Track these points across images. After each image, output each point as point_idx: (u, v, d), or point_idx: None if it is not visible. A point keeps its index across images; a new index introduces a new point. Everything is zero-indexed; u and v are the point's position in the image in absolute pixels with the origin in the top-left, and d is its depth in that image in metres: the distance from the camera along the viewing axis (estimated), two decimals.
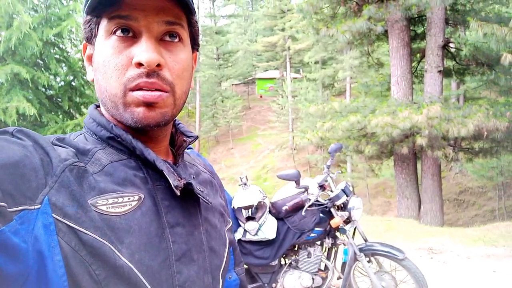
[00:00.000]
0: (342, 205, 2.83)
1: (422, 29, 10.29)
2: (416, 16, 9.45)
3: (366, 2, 9.26)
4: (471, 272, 3.85)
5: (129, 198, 0.54)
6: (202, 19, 30.44)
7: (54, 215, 0.46)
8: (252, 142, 28.41)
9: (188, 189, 0.59)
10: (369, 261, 2.79)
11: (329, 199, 2.79)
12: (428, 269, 3.86)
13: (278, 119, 25.84)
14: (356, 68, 19.01)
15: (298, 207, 2.78)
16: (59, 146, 0.54)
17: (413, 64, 10.32)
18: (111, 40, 0.56)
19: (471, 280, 3.64)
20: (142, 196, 0.56)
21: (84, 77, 7.40)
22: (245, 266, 2.74)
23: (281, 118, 25.68)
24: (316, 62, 25.63)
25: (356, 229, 2.89)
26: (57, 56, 7.10)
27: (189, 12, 0.60)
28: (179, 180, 0.59)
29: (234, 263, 0.81)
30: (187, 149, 0.76)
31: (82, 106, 7.60)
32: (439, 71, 9.07)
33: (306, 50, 24.72)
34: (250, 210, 2.71)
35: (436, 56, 9.05)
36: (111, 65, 0.56)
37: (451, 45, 9.80)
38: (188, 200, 0.61)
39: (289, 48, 26.40)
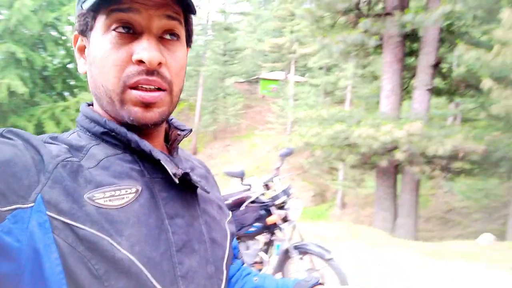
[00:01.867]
0: (282, 205, 3.07)
1: (417, 46, 10.49)
2: (411, 33, 9.65)
3: (363, 15, 9.49)
4: (413, 281, 4.10)
5: (126, 191, 0.54)
6: (213, 14, 30.65)
7: (48, 213, 0.46)
8: (249, 141, 28.63)
9: (185, 179, 0.59)
10: (301, 259, 3.03)
11: (271, 198, 3.04)
12: (371, 273, 4.11)
13: (277, 121, 26.05)
14: (358, 78, 19.23)
15: (241, 203, 3.02)
16: (52, 143, 0.54)
17: (404, 80, 10.52)
18: (110, 35, 0.56)
19: (407, 285, 3.90)
20: (140, 188, 0.56)
21: None
22: None
23: (280, 120, 25.89)
24: (320, 68, 25.82)
25: (295, 229, 3.14)
26: (55, 39, 7.31)
27: (188, 11, 0.61)
28: (177, 169, 0.60)
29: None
30: None
31: (75, 89, 7.84)
32: (428, 90, 9.28)
33: (312, 55, 24.93)
34: None
35: (427, 74, 9.26)
36: (109, 61, 0.56)
37: (444, 65, 10.01)
38: (186, 191, 0.62)
39: (295, 51, 26.59)
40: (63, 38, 7.52)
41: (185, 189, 0.61)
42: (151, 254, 0.52)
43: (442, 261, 4.77)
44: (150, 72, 0.56)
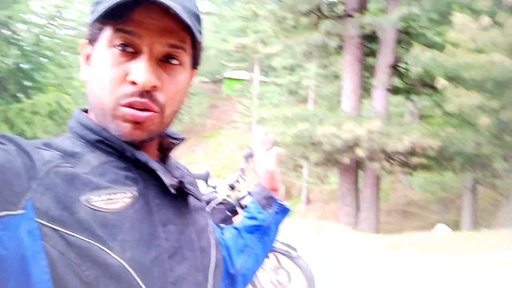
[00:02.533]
0: (247, 205, 3.10)
1: (377, 47, 10.87)
2: (371, 35, 9.98)
3: (325, 17, 9.71)
4: (372, 273, 4.26)
5: (122, 195, 0.54)
6: None
7: (38, 220, 0.46)
8: (215, 141, 28.50)
9: (179, 188, 0.61)
10: (267, 257, 3.08)
11: (236, 199, 3.06)
12: (335, 267, 4.24)
13: (242, 120, 26.10)
14: (320, 77, 19.64)
15: (206, 204, 3.03)
16: (45, 149, 0.53)
17: (365, 80, 10.87)
18: (111, 51, 0.56)
19: (371, 280, 4.05)
20: (136, 193, 0.56)
21: (35, 61, 7.25)
22: None
23: (245, 119, 25.96)
24: (284, 68, 26.14)
25: None
26: (8, 38, 6.97)
27: (194, 36, 0.60)
28: (173, 179, 0.60)
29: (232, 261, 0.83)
30: None
31: (30, 91, 7.50)
32: (387, 89, 9.64)
33: (276, 55, 25.18)
34: None
35: (385, 74, 9.63)
36: (106, 76, 0.56)
37: (401, 65, 10.42)
38: (178, 199, 0.63)
39: (259, 51, 26.73)
40: (16, 37, 7.17)
41: (178, 197, 0.62)
42: (143, 260, 0.52)
43: (402, 252, 4.99)
44: (143, 94, 0.56)
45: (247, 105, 25.46)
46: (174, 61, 0.59)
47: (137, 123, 0.57)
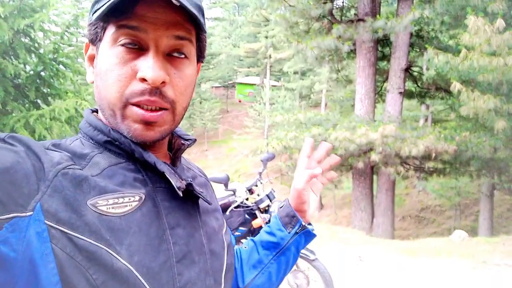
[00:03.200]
0: (266, 209, 3.14)
1: (389, 51, 10.84)
2: (383, 38, 9.96)
3: (337, 21, 9.73)
4: (388, 278, 4.24)
5: (129, 199, 0.53)
6: None
7: (47, 222, 0.45)
8: (227, 146, 28.67)
9: (188, 190, 0.59)
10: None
11: (255, 202, 3.10)
12: (352, 274, 4.22)
13: (254, 125, 26.19)
14: (332, 82, 19.63)
15: (225, 208, 3.08)
16: (54, 151, 0.53)
17: (378, 84, 10.84)
18: (117, 49, 0.55)
19: (387, 285, 4.03)
20: (143, 196, 0.55)
21: (54, 68, 7.42)
22: None
23: (257, 124, 26.04)
24: (295, 72, 26.19)
25: None
26: (28, 46, 7.16)
27: (199, 28, 0.60)
28: (181, 181, 0.59)
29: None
30: None
31: (49, 98, 7.68)
32: (400, 93, 9.60)
33: (286, 60, 25.27)
34: None
35: (399, 78, 9.58)
36: (113, 75, 0.55)
37: (414, 68, 10.38)
38: (187, 202, 0.61)
39: (270, 56, 26.85)
40: (36, 45, 7.36)
41: (187, 199, 0.61)
42: (150, 264, 0.52)
43: (418, 258, 4.95)
44: (153, 91, 0.55)
45: (258, 110, 25.55)
46: (181, 55, 0.58)
47: (148, 124, 0.56)
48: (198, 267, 0.59)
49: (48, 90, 7.44)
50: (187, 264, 0.57)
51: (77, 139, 0.60)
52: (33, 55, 7.19)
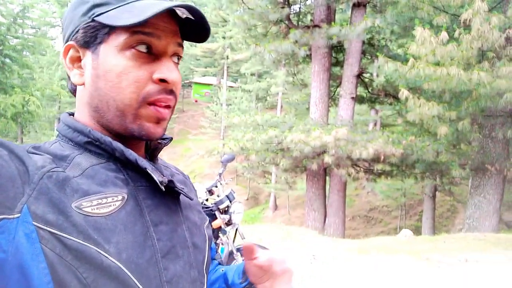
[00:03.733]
0: (225, 209, 3.19)
1: (343, 57, 11.28)
2: (337, 45, 10.34)
3: (294, 26, 9.97)
4: (340, 275, 4.44)
5: (112, 199, 0.55)
6: None
7: (35, 223, 0.46)
8: (182, 146, 28.28)
9: (169, 186, 0.61)
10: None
11: (214, 203, 3.14)
12: (306, 273, 4.37)
13: (210, 126, 26.05)
14: (288, 85, 20.02)
15: None
16: (35, 154, 0.54)
17: (331, 89, 11.22)
18: (130, 53, 0.58)
19: (339, 282, 4.22)
20: (126, 196, 0.57)
21: None
22: None
23: (213, 125, 25.92)
24: (252, 74, 26.39)
25: (237, 231, 3.27)
26: None
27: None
28: (162, 177, 0.61)
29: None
30: None
31: None
32: (352, 98, 10.01)
33: (244, 61, 25.41)
34: None
35: (351, 83, 9.99)
36: (130, 77, 0.57)
37: (366, 75, 10.87)
38: (169, 198, 0.63)
39: (227, 57, 26.84)
40: None
41: (168, 196, 0.63)
42: (138, 260, 0.53)
43: (368, 255, 5.22)
44: (169, 91, 0.60)
45: (215, 111, 25.45)
46: (177, 59, 0.64)
47: (158, 121, 0.61)
48: (183, 260, 0.62)
49: None
50: (172, 259, 0.59)
51: (56, 142, 0.61)
52: None
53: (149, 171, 0.59)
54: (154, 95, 0.59)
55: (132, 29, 0.57)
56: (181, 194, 0.65)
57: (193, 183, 2.56)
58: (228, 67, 27.57)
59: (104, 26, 0.58)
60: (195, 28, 0.64)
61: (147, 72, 0.58)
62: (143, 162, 0.59)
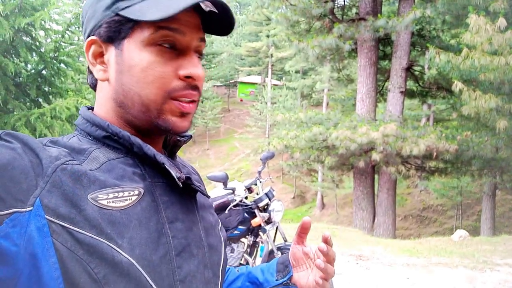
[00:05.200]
0: (265, 207, 3.14)
1: (390, 50, 10.82)
2: (384, 38, 9.94)
3: (338, 20, 9.71)
4: (387, 277, 4.22)
5: (129, 193, 0.54)
6: None
7: (47, 217, 0.46)
8: (228, 145, 28.69)
9: (186, 184, 0.61)
10: None
11: (254, 201, 3.10)
12: (351, 274, 4.21)
13: (255, 124, 26.19)
14: (334, 81, 19.60)
15: (224, 206, 3.07)
16: (52, 147, 0.54)
17: (379, 83, 10.81)
18: (155, 48, 0.57)
19: (386, 284, 4.02)
20: (142, 190, 0.56)
21: (55, 67, 7.41)
22: None
23: (258, 123, 26.03)
24: (296, 72, 26.18)
25: (278, 230, 3.20)
26: (29, 45, 7.18)
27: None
28: (180, 173, 0.61)
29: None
30: None
31: (50, 96, 7.69)
32: (401, 92, 9.58)
33: (288, 59, 25.25)
34: None
35: (400, 77, 9.56)
36: (155, 73, 0.57)
37: (416, 67, 10.35)
38: (185, 196, 0.63)
39: (271, 55, 26.83)
40: (37, 43, 7.37)
41: (185, 194, 0.62)
42: (151, 257, 0.52)
43: (418, 258, 4.93)
44: (194, 86, 0.60)
45: (260, 109, 25.54)
46: (200, 55, 0.63)
47: (183, 115, 0.60)
48: (197, 260, 0.60)
49: (49, 88, 7.44)
50: (186, 257, 0.58)
51: (74, 136, 0.60)
52: (34, 54, 7.20)
53: (166, 167, 0.58)
54: (179, 91, 0.58)
55: (157, 24, 0.56)
56: (198, 193, 0.64)
57: (233, 181, 2.52)
58: (272, 65, 27.53)
59: (128, 20, 0.57)
60: (218, 21, 0.63)
61: (173, 68, 0.58)
62: (161, 158, 0.58)
